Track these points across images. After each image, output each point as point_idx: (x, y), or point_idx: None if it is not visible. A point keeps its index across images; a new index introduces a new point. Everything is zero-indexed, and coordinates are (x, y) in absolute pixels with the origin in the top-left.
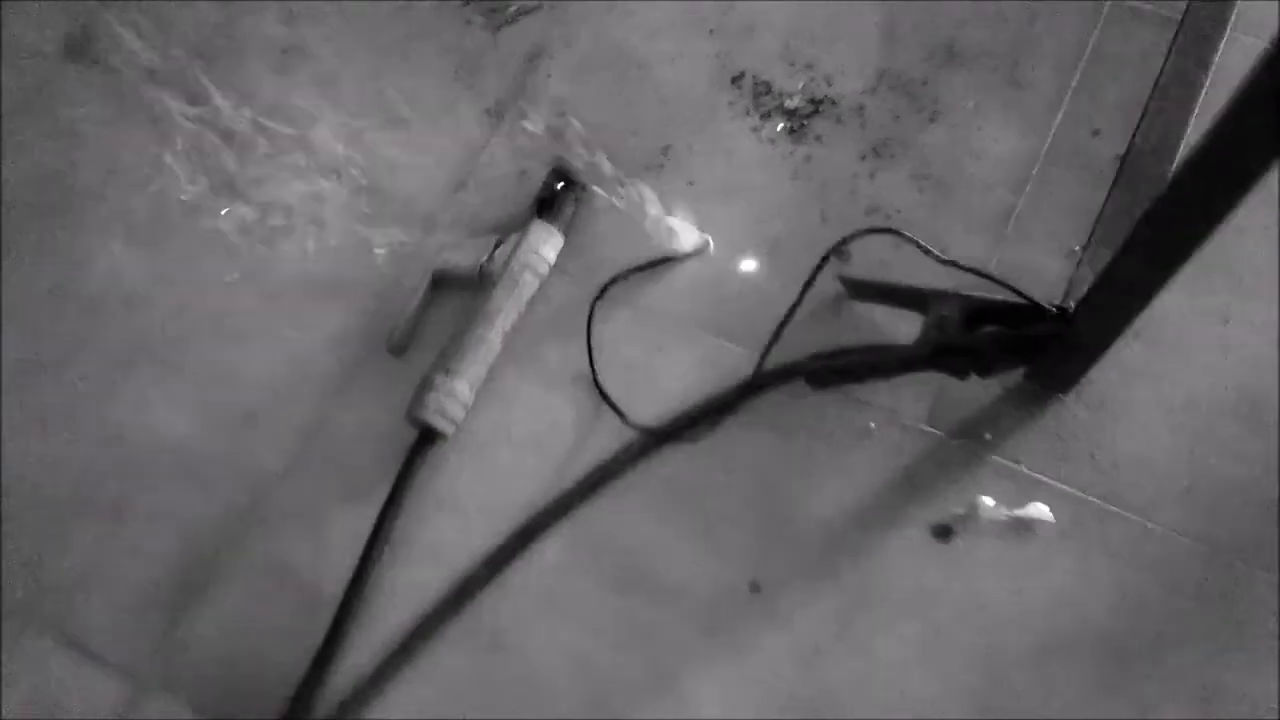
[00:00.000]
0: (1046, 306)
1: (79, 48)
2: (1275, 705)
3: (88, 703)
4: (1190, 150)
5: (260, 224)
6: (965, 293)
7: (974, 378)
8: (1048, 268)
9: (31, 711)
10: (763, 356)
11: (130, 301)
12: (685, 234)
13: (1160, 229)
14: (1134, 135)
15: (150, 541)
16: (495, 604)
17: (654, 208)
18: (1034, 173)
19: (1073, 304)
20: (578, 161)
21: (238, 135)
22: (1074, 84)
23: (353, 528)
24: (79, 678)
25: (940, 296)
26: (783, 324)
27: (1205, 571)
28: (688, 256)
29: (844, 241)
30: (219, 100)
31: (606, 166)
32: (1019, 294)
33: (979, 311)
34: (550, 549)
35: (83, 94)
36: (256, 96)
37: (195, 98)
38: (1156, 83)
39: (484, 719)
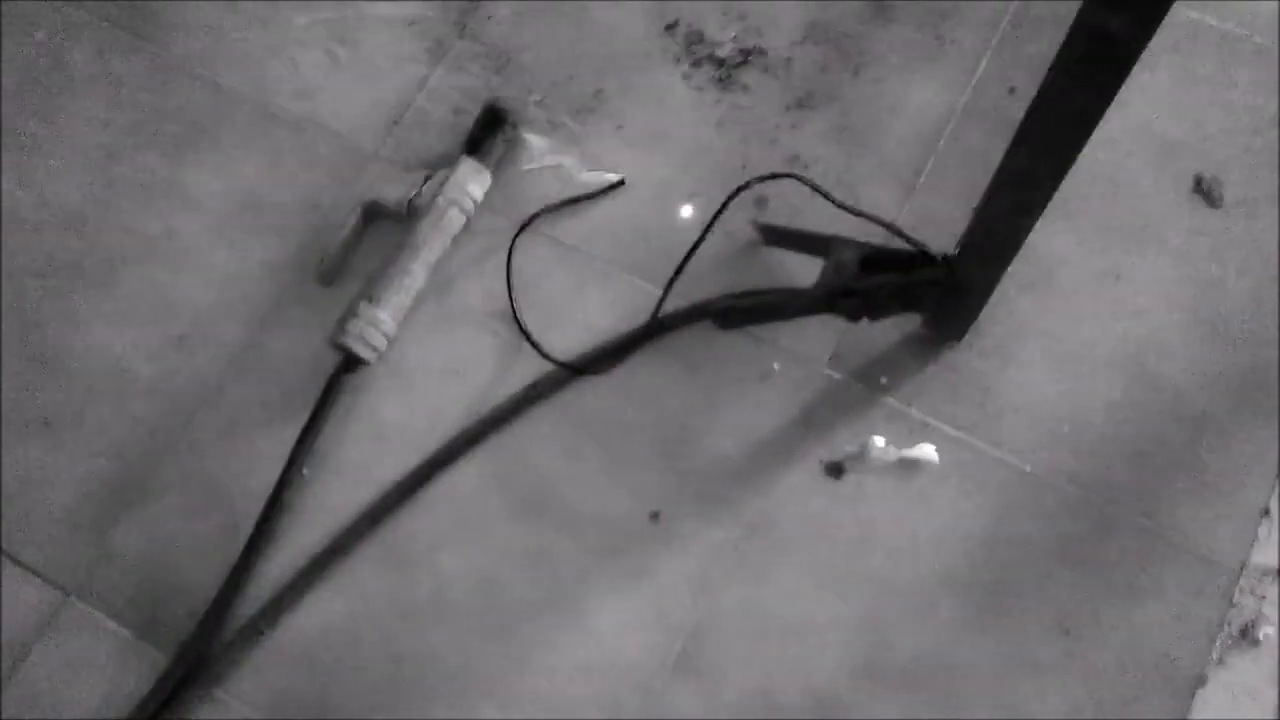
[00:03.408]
0: (934, 254)
1: None
2: (1128, 640)
3: (13, 609)
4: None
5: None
6: (863, 240)
7: (866, 322)
8: (954, 220)
9: None
10: (664, 293)
11: (68, 222)
12: (605, 174)
13: (1016, 172)
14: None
15: (81, 457)
16: (409, 524)
17: (579, 148)
18: (950, 128)
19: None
20: (511, 102)
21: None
22: (995, 42)
23: (276, 448)
24: (7, 586)
25: (841, 243)
26: (683, 261)
27: (1077, 514)
28: (605, 195)
29: (747, 185)
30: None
31: (538, 107)
32: (910, 241)
33: (874, 258)
34: (464, 473)
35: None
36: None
37: (139, 32)
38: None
39: (394, 632)
